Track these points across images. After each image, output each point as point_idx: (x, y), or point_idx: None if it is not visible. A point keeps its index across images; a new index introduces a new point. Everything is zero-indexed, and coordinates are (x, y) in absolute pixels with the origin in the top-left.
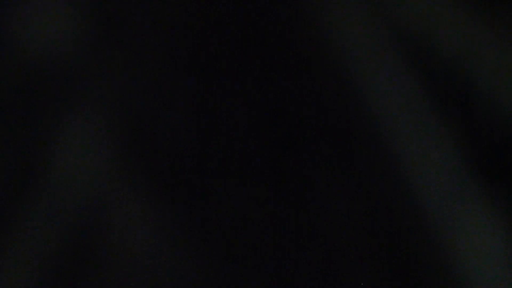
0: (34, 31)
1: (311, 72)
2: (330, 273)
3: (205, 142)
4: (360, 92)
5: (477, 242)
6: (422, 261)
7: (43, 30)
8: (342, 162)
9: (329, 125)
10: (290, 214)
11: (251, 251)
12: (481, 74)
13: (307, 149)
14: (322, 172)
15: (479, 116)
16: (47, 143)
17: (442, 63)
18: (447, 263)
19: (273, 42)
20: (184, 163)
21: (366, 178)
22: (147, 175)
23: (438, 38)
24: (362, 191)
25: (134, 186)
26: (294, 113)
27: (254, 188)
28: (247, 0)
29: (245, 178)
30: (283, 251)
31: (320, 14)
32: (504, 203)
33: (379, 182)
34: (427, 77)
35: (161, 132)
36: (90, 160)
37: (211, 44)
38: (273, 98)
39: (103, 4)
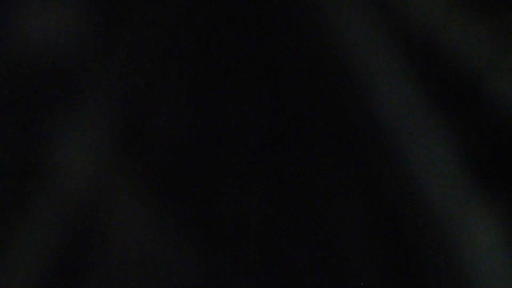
0: (34, 31)
1: (315, 72)
2: (334, 273)
3: (206, 141)
4: (363, 95)
5: (477, 243)
6: (423, 262)
7: (43, 30)
8: (347, 161)
9: (333, 126)
10: (292, 214)
11: (251, 250)
12: (485, 76)
13: (311, 150)
14: (326, 173)
15: (480, 118)
16: (47, 142)
17: (445, 66)
18: (449, 263)
19: (275, 43)
20: (184, 162)
21: (368, 180)
22: (146, 174)
23: (443, 39)
24: (364, 193)
25: (134, 184)
26: (297, 112)
27: (256, 188)
28: (252, 0)
29: (246, 177)
30: (284, 251)
31: (325, 14)
32: (503, 205)
33: (381, 184)
34: (429, 80)
35: (161, 131)
36: (89, 159)
37: (213, 44)
38: (275, 97)
39: (104, 4)
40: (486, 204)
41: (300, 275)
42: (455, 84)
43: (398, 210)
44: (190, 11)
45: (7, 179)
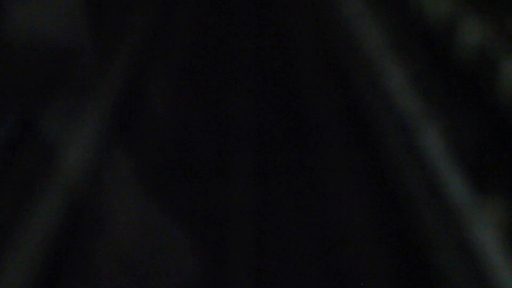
0: (34, 27)
1: (319, 62)
2: (336, 273)
3: (205, 137)
4: (365, 89)
5: (478, 236)
6: (427, 261)
7: (42, 27)
8: (350, 157)
9: (335, 119)
10: (293, 210)
11: (249, 245)
12: (490, 76)
13: (314, 146)
14: (329, 168)
15: (479, 120)
16: (46, 139)
17: (448, 65)
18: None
19: (278, 33)
20: (182, 157)
21: (372, 176)
22: (143, 169)
23: (449, 38)
24: (366, 190)
25: (130, 179)
26: (298, 106)
27: (256, 181)
28: None
29: (245, 172)
30: (284, 247)
31: (336, 9)
32: (499, 209)
33: (382, 179)
34: (432, 79)
35: (158, 127)
36: (87, 155)
37: (214, 37)
38: (279, 87)
39: (102, 2)
40: (484, 202)
41: (300, 272)
42: (458, 84)
43: (400, 209)
44: (192, 4)
45: (6, 177)
